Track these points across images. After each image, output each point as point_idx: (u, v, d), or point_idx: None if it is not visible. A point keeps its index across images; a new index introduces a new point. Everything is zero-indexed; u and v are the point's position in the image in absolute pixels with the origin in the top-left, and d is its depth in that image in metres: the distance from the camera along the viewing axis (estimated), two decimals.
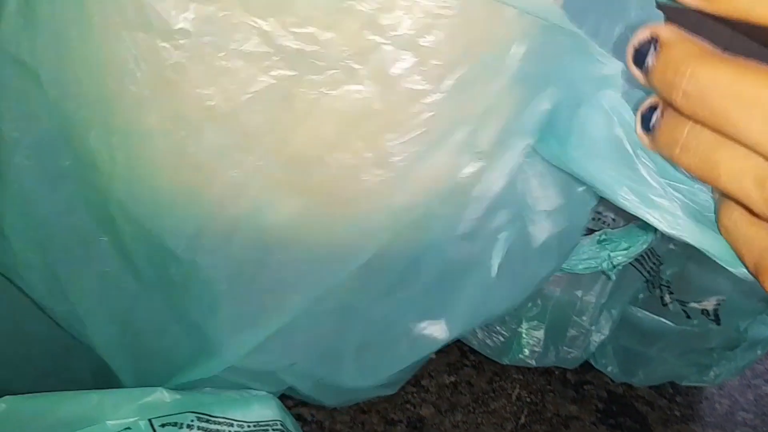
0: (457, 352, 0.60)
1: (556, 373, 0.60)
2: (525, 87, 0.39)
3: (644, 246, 0.40)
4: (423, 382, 0.57)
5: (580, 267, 0.42)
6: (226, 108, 0.33)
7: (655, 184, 0.37)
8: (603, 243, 0.41)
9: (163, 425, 0.31)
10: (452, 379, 0.58)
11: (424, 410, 0.55)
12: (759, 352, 0.57)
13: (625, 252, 0.40)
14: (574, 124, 0.38)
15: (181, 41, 0.32)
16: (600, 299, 0.49)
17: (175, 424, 0.31)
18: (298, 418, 0.52)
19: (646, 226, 0.41)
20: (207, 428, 0.32)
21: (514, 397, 0.57)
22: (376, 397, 0.52)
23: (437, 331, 0.42)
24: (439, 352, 0.60)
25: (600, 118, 0.38)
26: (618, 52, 0.46)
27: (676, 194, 0.39)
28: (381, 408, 0.54)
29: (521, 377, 0.59)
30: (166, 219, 0.37)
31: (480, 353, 0.59)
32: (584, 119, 0.38)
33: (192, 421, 0.32)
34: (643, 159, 0.39)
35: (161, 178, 0.36)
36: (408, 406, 0.55)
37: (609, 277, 0.44)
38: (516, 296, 0.43)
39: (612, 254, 0.40)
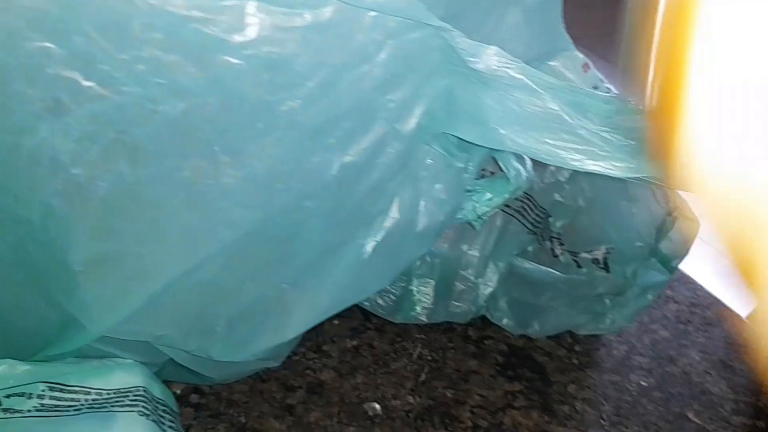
0: (360, 316, 0.60)
1: (458, 330, 0.61)
2: (392, 84, 0.40)
3: (507, 196, 0.41)
4: (325, 348, 0.57)
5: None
6: None
7: (597, 140, 0.39)
8: (469, 194, 0.41)
9: (8, 396, 0.30)
10: (354, 342, 0.58)
11: (324, 375, 0.55)
12: (650, 296, 0.59)
13: (488, 202, 0.41)
14: (491, 107, 0.40)
15: None
16: (484, 252, 0.49)
17: (22, 395, 0.31)
18: (195, 389, 0.52)
19: (510, 177, 0.42)
20: (60, 397, 0.32)
21: (415, 356, 0.58)
22: (265, 369, 0.52)
23: (307, 310, 0.43)
24: (340, 317, 0.60)
25: (529, 96, 0.40)
26: (511, 37, 0.47)
27: (614, 139, 0.41)
28: (281, 375, 0.54)
29: (423, 336, 0.60)
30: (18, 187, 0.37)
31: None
32: (506, 101, 0.40)
33: (43, 391, 0.32)
34: (579, 122, 0.41)
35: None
36: (308, 371, 0.55)
37: (473, 227, 0.45)
38: (388, 276, 0.44)
39: (476, 205, 0.41)
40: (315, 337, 0.58)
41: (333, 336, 0.58)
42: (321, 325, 0.59)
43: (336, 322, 0.59)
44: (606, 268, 0.56)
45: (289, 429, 0.51)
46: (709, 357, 0.63)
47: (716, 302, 0.68)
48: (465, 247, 0.50)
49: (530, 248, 0.54)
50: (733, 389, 0.60)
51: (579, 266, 0.56)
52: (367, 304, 0.54)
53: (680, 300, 0.68)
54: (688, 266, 0.74)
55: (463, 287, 0.50)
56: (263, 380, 0.54)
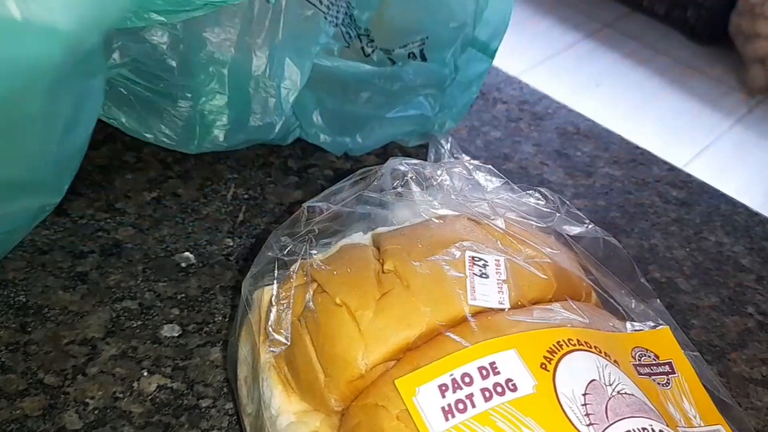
0: (157, 165, 0.51)
1: (276, 163, 0.53)
2: None
3: None
4: (118, 205, 0.48)
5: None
6: None
7: None
8: None
9: None
10: (154, 194, 0.49)
11: (121, 233, 0.46)
12: (474, 89, 0.54)
13: None
14: None
15: None
16: (273, 43, 0.41)
17: None
18: None
19: None
20: None
21: (229, 197, 0.50)
22: (45, 240, 0.42)
23: None
24: (134, 169, 0.51)
25: None
26: None
27: None
28: (65, 243, 0.45)
29: (236, 176, 0.52)
30: None
31: (186, 161, 0.51)
32: None
33: None
34: None
35: None
36: (100, 233, 0.46)
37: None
38: None
39: None
40: (105, 196, 0.48)
41: (127, 191, 0.49)
42: (110, 181, 0.50)
43: (129, 176, 0.50)
44: (423, 59, 0.50)
45: (83, 298, 0.42)
46: (543, 149, 0.60)
47: (544, 97, 0.65)
48: (249, 40, 0.41)
49: (336, 47, 0.47)
50: (570, 176, 0.58)
51: (394, 63, 0.50)
52: (149, 136, 0.44)
53: (508, 100, 0.64)
54: (512, 67, 0.71)
55: (260, 93, 0.43)
56: (43, 251, 0.44)
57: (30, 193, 0.36)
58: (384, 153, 0.56)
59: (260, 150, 0.54)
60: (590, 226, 0.37)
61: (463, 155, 0.43)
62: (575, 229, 0.37)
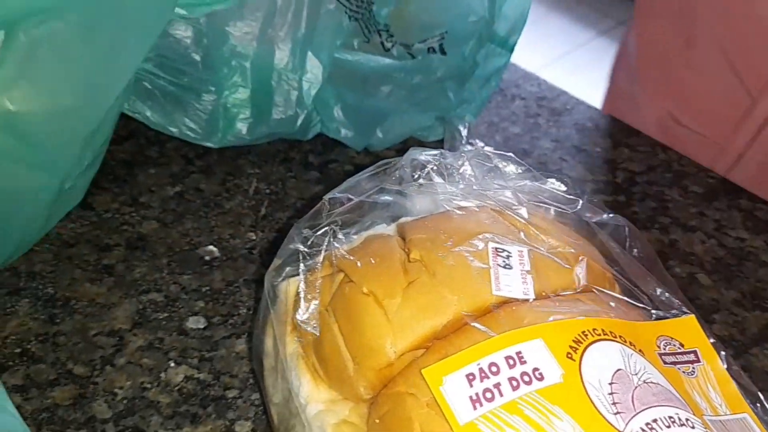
0: (180, 160, 0.52)
1: (297, 158, 0.54)
2: None
3: None
4: (142, 199, 0.49)
5: None
6: None
7: None
8: None
9: None
10: (177, 189, 0.50)
11: (145, 227, 0.47)
12: (494, 83, 0.55)
13: None
14: None
15: None
16: (296, 38, 0.41)
17: None
18: None
19: None
20: None
21: (251, 192, 0.51)
22: (71, 233, 0.43)
23: None
24: (157, 164, 0.52)
25: None
26: None
27: None
28: (91, 236, 0.46)
29: (258, 171, 0.52)
30: None
31: (208, 155, 0.52)
32: None
33: None
34: None
35: None
36: (125, 227, 0.47)
37: None
38: None
39: None
40: (129, 190, 0.49)
41: (150, 186, 0.50)
42: (133, 176, 0.51)
43: (152, 171, 0.51)
44: (443, 53, 0.50)
45: (110, 291, 0.43)
46: (561, 144, 0.60)
47: (562, 93, 0.65)
48: (272, 33, 0.41)
49: (356, 41, 0.47)
50: (590, 171, 0.58)
51: (414, 57, 0.50)
52: (174, 130, 0.45)
53: (526, 96, 0.64)
54: (530, 63, 0.71)
55: (282, 86, 0.43)
56: (70, 245, 0.45)
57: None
58: (403, 148, 0.56)
59: (281, 145, 0.54)
60: (612, 215, 0.37)
61: (478, 141, 0.43)
62: (599, 216, 0.37)
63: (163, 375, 0.39)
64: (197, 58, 0.42)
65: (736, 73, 0.54)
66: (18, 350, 0.39)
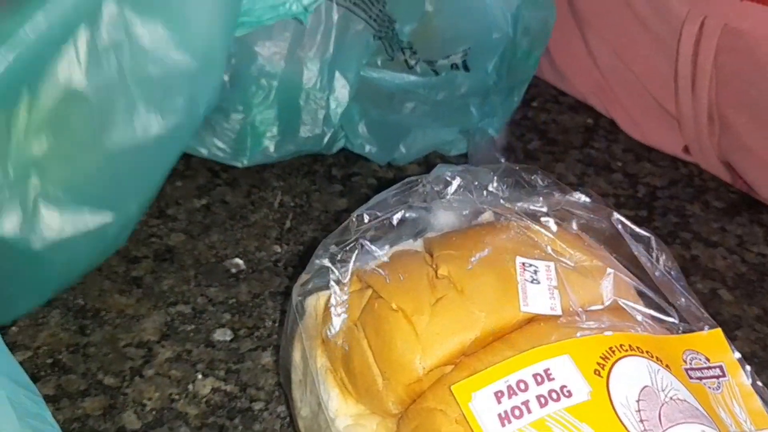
0: (206, 173, 0.52)
1: (320, 171, 0.54)
2: None
3: None
4: (169, 212, 0.49)
5: (267, 17, 0.35)
6: None
7: None
8: None
9: None
10: (204, 201, 0.51)
11: (173, 239, 0.48)
12: (516, 98, 0.55)
13: None
14: None
15: None
16: (325, 57, 0.42)
17: None
18: None
19: None
20: None
21: (276, 205, 0.51)
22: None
23: None
24: (183, 177, 0.52)
25: None
26: None
27: None
28: (122, 249, 0.46)
29: (282, 183, 0.53)
30: None
31: (233, 168, 0.53)
32: None
33: None
34: None
35: None
36: (153, 239, 0.48)
37: (302, 22, 0.38)
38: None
39: None
40: (156, 202, 0.50)
41: (177, 198, 0.50)
42: (161, 188, 0.51)
43: (179, 183, 0.51)
44: (466, 69, 0.50)
45: (138, 302, 0.44)
46: (583, 159, 0.60)
47: (585, 107, 0.65)
48: (300, 53, 0.42)
49: (379, 59, 0.48)
50: (612, 185, 0.58)
51: (437, 74, 0.51)
52: (204, 151, 0.46)
53: (549, 109, 0.65)
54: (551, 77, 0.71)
55: (310, 105, 0.44)
56: None
57: None
58: (425, 162, 0.56)
59: (304, 158, 0.55)
60: (637, 228, 0.38)
61: (501, 155, 0.43)
62: (625, 229, 0.37)
63: (190, 387, 0.40)
64: (225, 78, 0.43)
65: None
66: (50, 360, 0.40)
